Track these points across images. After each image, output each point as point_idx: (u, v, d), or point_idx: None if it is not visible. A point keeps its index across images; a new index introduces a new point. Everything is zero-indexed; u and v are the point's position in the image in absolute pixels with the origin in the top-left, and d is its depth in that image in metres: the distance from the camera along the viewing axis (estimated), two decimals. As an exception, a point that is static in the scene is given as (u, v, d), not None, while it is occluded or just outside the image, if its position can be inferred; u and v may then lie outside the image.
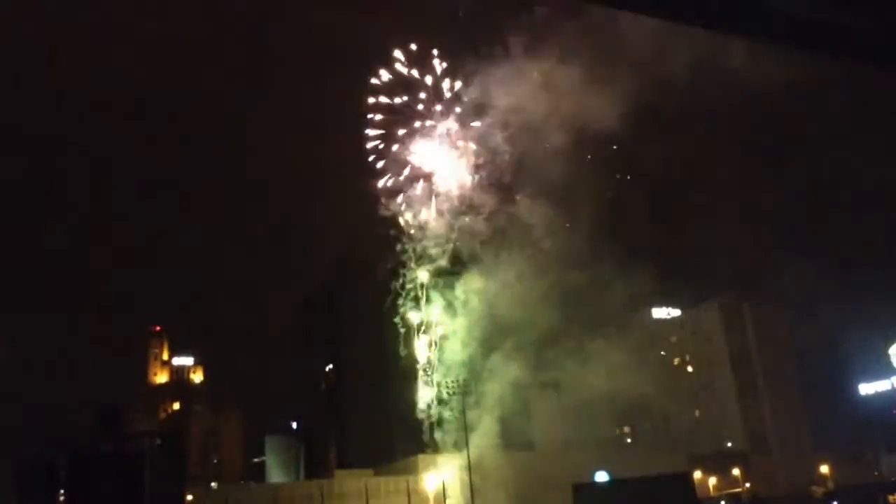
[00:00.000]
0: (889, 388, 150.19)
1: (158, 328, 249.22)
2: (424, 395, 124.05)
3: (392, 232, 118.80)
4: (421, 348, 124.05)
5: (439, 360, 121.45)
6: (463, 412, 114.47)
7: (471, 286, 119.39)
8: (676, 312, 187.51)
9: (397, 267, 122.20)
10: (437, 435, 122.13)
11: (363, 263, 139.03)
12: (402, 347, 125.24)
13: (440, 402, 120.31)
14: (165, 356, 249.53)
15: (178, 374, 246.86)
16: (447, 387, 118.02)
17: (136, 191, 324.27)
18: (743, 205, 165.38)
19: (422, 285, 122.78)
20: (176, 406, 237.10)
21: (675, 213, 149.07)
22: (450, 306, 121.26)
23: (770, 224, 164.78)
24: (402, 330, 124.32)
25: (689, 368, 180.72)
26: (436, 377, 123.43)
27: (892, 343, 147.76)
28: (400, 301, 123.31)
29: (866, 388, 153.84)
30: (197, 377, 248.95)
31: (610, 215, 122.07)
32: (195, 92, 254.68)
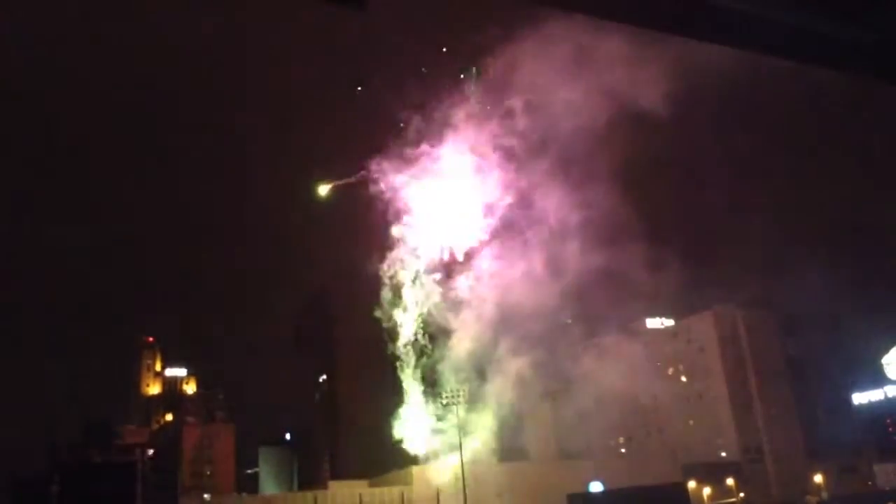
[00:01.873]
0: (882, 397, 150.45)
1: (151, 339, 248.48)
2: (416, 411, 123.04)
3: (392, 229, 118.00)
4: (411, 354, 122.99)
5: (443, 357, 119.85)
6: (459, 428, 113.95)
7: (478, 277, 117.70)
8: (670, 322, 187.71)
9: (390, 264, 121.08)
10: (433, 444, 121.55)
11: (357, 273, 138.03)
12: (391, 346, 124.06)
13: (442, 406, 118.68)
14: (158, 367, 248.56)
15: (171, 385, 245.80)
16: (443, 398, 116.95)
17: (133, 202, 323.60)
18: (740, 213, 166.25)
19: (415, 279, 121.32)
20: (169, 417, 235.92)
21: (676, 221, 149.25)
22: (450, 301, 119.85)
23: (766, 234, 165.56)
24: (387, 324, 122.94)
25: (683, 378, 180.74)
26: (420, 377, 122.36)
27: (885, 353, 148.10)
28: (386, 293, 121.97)
29: (860, 398, 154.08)
30: (190, 388, 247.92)
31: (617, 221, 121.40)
32: (197, 108, 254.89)
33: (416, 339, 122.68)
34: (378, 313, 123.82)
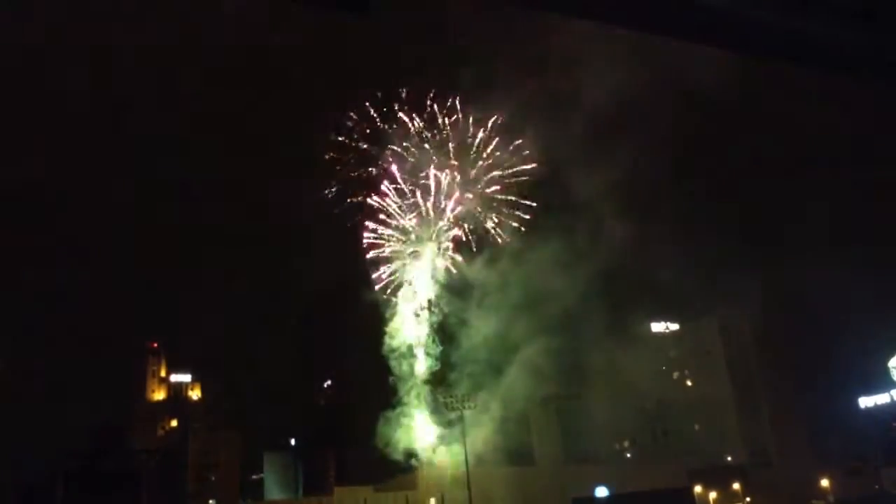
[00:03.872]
0: (889, 401, 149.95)
1: (156, 345, 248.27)
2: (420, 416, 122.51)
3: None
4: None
5: (455, 351, 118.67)
6: (463, 432, 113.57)
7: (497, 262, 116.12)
8: (675, 326, 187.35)
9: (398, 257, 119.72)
10: (439, 448, 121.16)
11: (362, 274, 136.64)
12: (397, 349, 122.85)
13: (449, 410, 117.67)
14: (163, 373, 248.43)
15: (176, 391, 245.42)
16: (452, 403, 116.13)
17: (134, 204, 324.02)
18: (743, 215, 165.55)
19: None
20: (174, 423, 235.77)
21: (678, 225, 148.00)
22: (459, 290, 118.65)
23: (770, 237, 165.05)
24: (393, 322, 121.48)
25: (689, 382, 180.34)
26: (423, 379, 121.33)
27: (891, 356, 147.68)
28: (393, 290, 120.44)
29: (866, 401, 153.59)
30: (195, 394, 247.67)
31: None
32: (195, 109, 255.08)
33: (426, 337, 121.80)
34: (385, 312, 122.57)
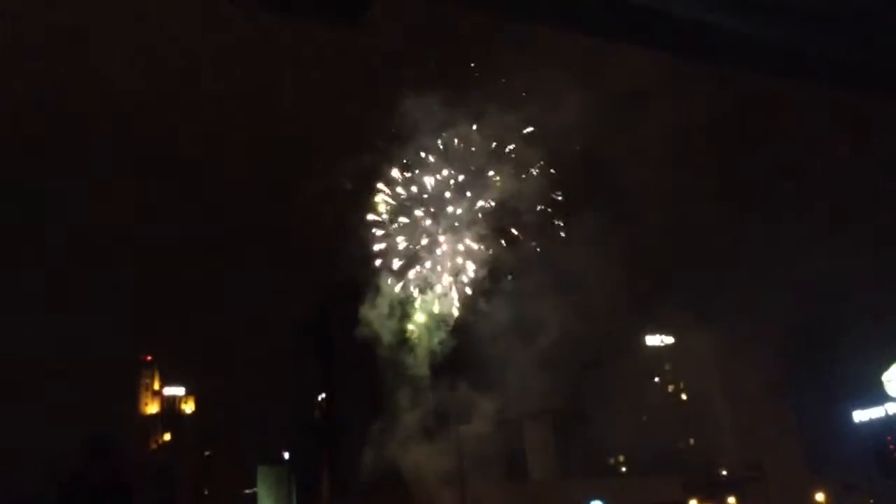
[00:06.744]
0: (883, 415, 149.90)
1: (149, 357, 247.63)
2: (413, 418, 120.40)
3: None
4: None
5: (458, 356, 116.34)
6: (458, 445, 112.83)
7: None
8: (670, 340, 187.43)
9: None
10: (434, 462, 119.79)
11: (356, 284, 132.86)
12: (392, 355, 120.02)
13: (447, 424, 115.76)
14: (156, 386, 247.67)
15: (170, 404, 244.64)
16: (449, 417, 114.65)
17: (133, 219, 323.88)
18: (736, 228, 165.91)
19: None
20: (167, 437, 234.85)
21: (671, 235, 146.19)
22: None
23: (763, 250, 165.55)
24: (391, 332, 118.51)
25: (683, 396, 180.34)
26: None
27: (885, 370, 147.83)
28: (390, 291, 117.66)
29: (860, 416, 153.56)
30: (188, 407, 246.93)
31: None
32: (198, 123, 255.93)
33: (425, 346, 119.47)
34: (380, 320, 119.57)
